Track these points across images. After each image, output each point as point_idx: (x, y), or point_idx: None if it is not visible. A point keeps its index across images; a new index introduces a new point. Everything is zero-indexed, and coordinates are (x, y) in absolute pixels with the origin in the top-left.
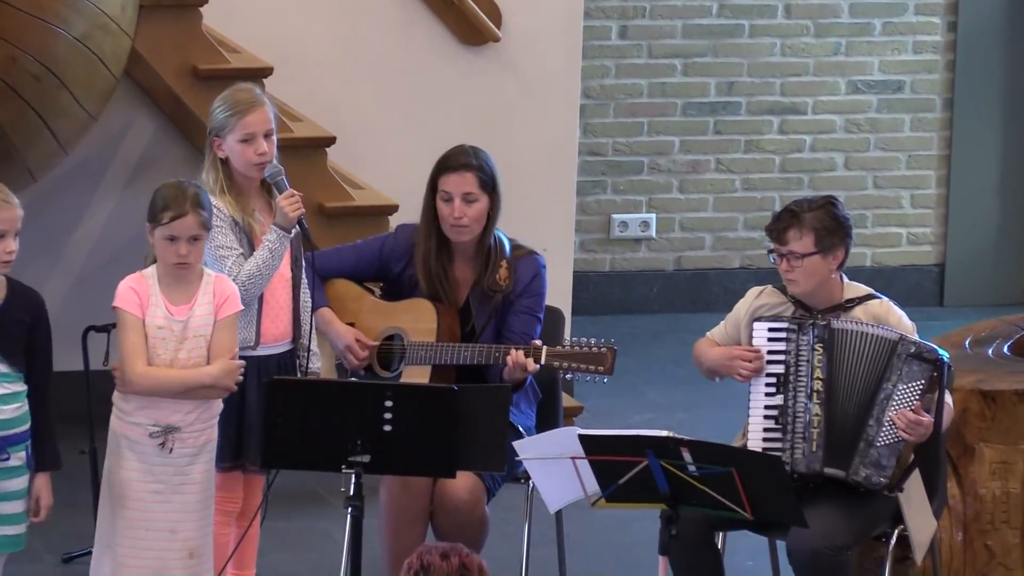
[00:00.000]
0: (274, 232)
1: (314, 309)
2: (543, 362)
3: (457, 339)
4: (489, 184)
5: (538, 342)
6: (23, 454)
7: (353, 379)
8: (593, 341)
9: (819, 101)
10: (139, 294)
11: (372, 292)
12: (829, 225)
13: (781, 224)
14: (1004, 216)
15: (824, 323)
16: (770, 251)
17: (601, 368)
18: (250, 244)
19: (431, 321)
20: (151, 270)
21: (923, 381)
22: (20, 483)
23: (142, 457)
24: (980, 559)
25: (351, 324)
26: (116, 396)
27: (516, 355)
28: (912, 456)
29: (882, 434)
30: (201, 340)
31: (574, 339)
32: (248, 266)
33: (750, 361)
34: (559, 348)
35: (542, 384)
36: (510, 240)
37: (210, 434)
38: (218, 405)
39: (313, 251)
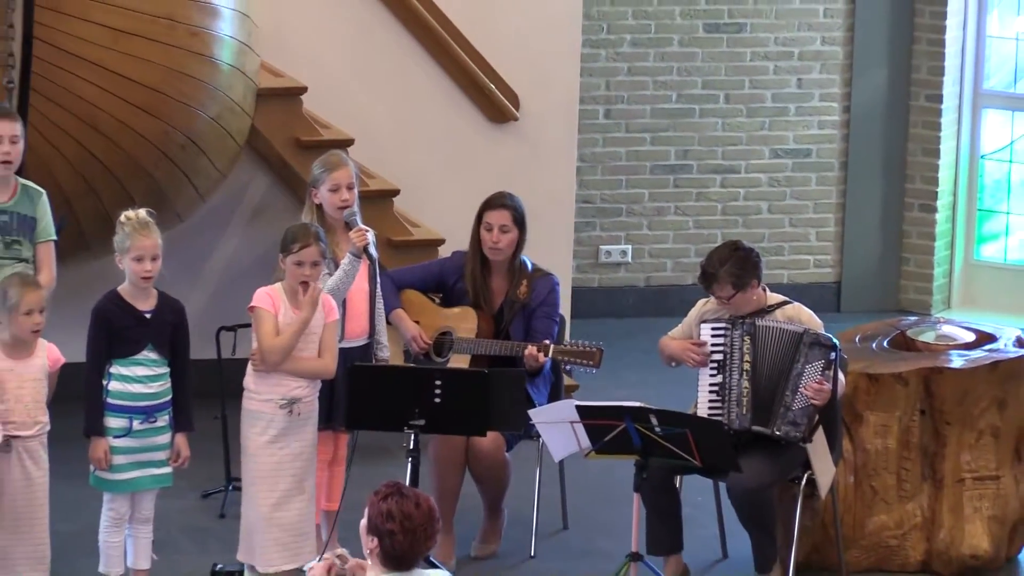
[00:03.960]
0: (347, 257)
1: (390, 311)
2: (550, 356)
3: (491, 337)
4: (519, 220)
5: (547, 341)
6: (167, 417)
7: (413, 364)
8: (588, 343)
9: (750, 164)
10: (273, 299)
11: (434, 300)
12: (738, 271)
13: (706, 283)
14: (884, 247)
15: (750, 322)
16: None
17: (591, 363)
18: (335, 266)
19: (473, 323)
20: (279, 285)
21: (823, 360)
22: (165, 439)
23: (267, 424)
24: (866, 496)
25: (417, 322)
26: (248, 382)
27: (531, 350)
28: (817, 416)
29: (796, 401)
30: (314, 337)
31: (574, 340)
32: (329, 282)
33: (697, 354)
34: (562, 346)
35: (554, 370)
36: (533, 264)
37: (315, 404)
38: (319, 383)
39: (386, 271)
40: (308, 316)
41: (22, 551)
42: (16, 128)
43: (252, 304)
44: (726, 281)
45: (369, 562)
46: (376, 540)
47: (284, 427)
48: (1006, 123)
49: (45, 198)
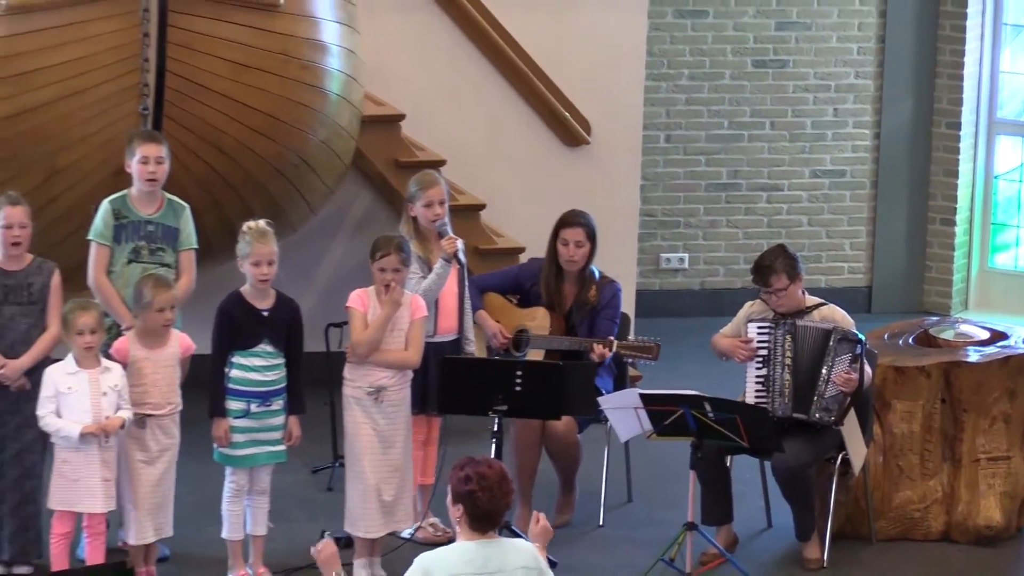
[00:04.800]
0: (439, 262)
1: (474, 311)
2: (614, 350)
3: (563, 334)
4: (592, 235)
5: (612, 338)
6: (281, 402)
7: (496, 358)
8: (647, 338)
9: (792, 183)
10: (363, 300)
11: (511, 301)
12: (790, 263)
13: (764, 275)
14: (909, 255)
15: (791, 322)
16: (759, 291)
17: (650, 356)
18: (429, 271)
19: (546, 321)
20: (372, 288)
21: (850, 354)
22: (280, 420)
23: (364, 408)
24: (893, 473)
25: (498, 321)
26: (346, 372)
27: (598, 346)
28: (848, 401)
29: (829, 390)
30: (400, 333)
31: (635, 337)
32: (423, 285)
33: (745, 350)
34: (624, 342)
35: (617, 363)
36: (600, 272)
37: (407, 392)
38: (410, 373)
39: (472, 276)
40: (389, 313)
41: (150, 514)
42: (162, 151)
43: (347, 304)
44: (782, 271)
45: (458, 530)
46: (461, 507)
47: (377, 411)
48: (1017, 147)
49: (188, 211)
